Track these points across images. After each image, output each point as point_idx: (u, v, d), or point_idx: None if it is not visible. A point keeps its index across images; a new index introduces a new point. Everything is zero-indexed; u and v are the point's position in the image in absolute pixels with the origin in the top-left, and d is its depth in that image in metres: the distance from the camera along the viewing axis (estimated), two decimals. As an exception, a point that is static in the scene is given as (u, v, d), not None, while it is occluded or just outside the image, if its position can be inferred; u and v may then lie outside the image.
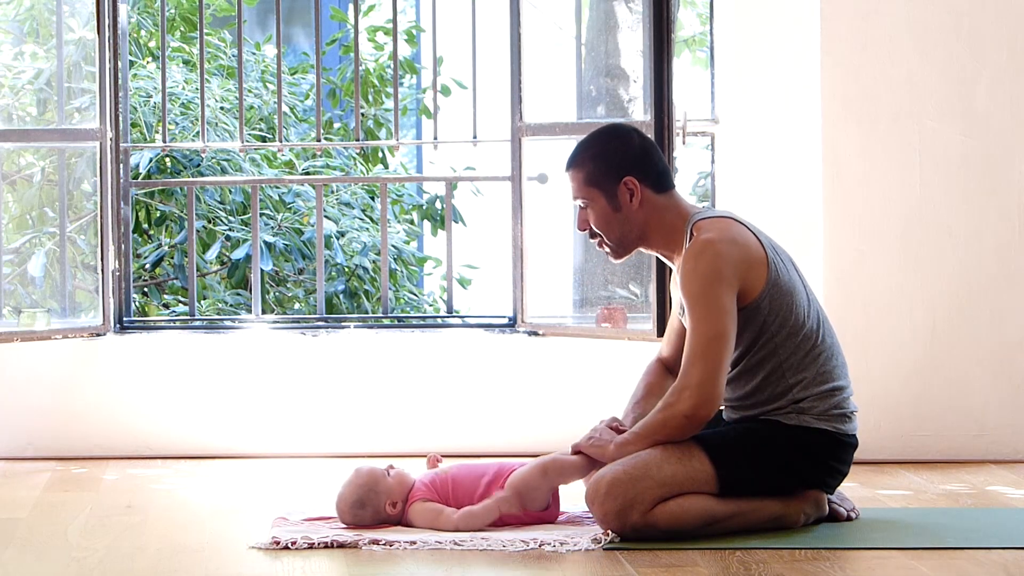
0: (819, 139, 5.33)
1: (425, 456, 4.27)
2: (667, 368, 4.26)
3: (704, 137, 5.65)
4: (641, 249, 4.15)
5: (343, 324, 5.78)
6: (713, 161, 5.64)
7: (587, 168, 4.11)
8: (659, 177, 4.12)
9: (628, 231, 4.11)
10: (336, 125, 8.34)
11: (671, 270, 4.23)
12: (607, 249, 4.16)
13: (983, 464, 5.24)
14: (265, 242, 7.06)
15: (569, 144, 4.23)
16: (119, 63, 5.56)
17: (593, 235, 4.16)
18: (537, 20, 5.76)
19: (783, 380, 4.03)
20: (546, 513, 4.10)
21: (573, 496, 4.38)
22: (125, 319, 5.62)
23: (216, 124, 7.55)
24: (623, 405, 5.51)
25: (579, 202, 4.15)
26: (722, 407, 4.17)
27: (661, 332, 5.06)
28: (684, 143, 5.45)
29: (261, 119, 7.76)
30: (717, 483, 3.96)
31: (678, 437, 3.97)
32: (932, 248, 5.30)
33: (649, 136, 5.36)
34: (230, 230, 7.36)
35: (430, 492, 4.08)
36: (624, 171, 4.09)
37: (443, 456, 4.31)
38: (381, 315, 5.98)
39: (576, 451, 4.07)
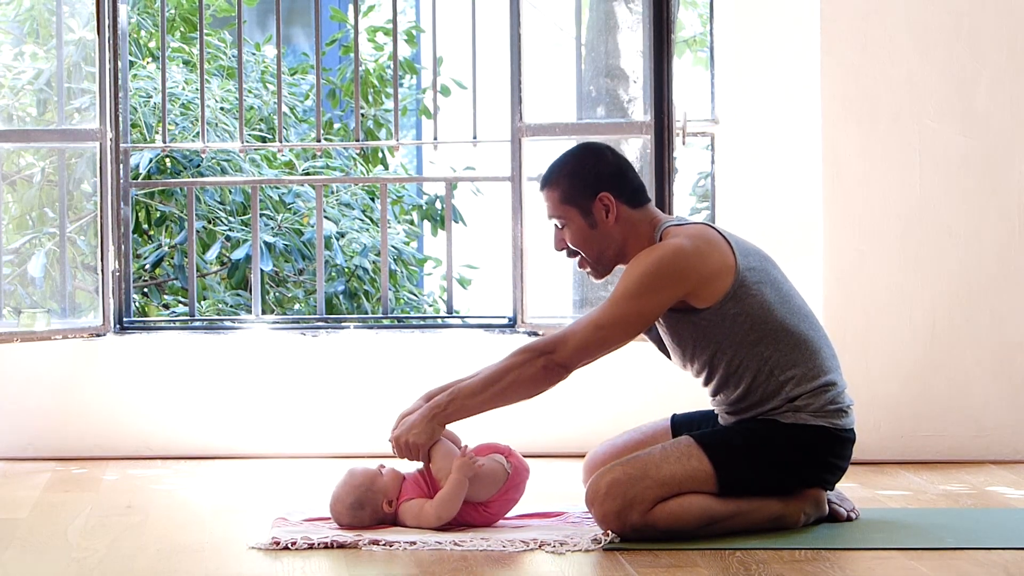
0: (819, 139, 5.33)
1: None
2: None
3: (704, 137, 5.64)
4: (621, 266, 4.14)
5: (343, 324, 5.77)
6: (713, 161, 5.64)
7: (562, 186, 4.11)
8: (634, 193, 4.11)
9: (605, 248, 4.11)
10: (336, 125, 8.34)
11: None
12: (587, 269, 4.16)
13: (983, 464, 5.24)
14: (265, 242, 7.07)
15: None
16: (119, 63, 5.56)
17: (571, 254, 4.16)
18: (537, 20, 5.76)
19: (773, 378, 4.02)
20: (518, 478, 4.10)
21: (573, 497, 4.38)
22: (125, 319, 5.62)
23: (216, 124, 7.55)
24: (624, 405, 5.53)
25: (555, 221, 4.14)
26: (716, 412, 4.17)
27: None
28: (684, 143, 5.45)
29: (261, 119, 7.76)
30: (717, 483, 3.96)
31: (528, 388, 4.01)
32: (932, 248, 5.30)
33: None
34: (230, 230, 7.36)
35: (415, 490, 4.10)
36: (599, 188, 4.08)
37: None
38: (381, 315, 5.98)
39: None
